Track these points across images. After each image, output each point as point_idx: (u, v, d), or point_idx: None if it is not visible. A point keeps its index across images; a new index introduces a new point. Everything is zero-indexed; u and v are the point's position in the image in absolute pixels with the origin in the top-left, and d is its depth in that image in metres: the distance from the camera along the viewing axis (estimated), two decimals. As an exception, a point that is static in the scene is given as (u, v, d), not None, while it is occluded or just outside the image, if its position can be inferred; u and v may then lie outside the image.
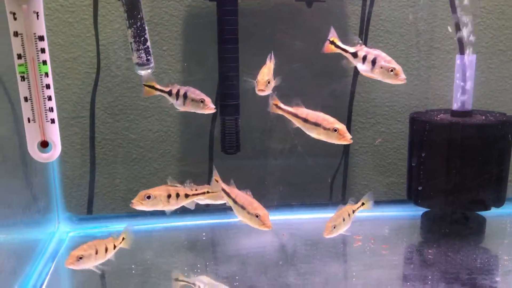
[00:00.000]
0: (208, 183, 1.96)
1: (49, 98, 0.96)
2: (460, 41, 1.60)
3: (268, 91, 1.32)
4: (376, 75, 1.24)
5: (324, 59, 2.00)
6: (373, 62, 1.23)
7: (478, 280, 1.36)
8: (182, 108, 1.39)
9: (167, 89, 1.39)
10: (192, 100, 1.37)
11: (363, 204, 1.36)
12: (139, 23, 1.53)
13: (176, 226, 1.78)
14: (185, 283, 1.32)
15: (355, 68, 1.94)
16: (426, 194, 1.66)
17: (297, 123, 1.29)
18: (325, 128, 1.22)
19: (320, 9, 1.79)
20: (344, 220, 1.31)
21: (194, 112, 2.00)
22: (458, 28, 1.62)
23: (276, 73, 1.93)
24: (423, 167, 1.67)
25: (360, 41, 1.29)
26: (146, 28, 1.57)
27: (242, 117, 1.73)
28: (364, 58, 1.24)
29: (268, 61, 1.38)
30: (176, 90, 1.38)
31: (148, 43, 1.57)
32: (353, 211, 1.35)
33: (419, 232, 1.74)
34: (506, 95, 2.15)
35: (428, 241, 1.66)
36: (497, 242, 1.68)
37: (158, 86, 1.42)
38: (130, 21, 1.53)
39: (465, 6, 1.67)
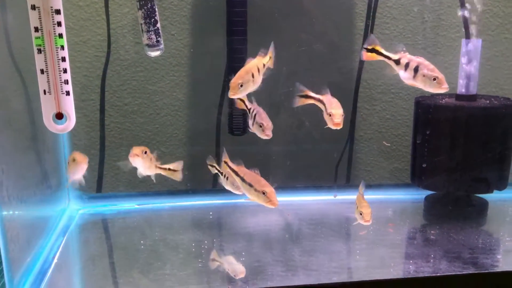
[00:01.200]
0: (218, 164, 2.01)
1: (65, 71, 0.99)
2: (466, 25, 1.62)
3: (240, 94, 1.31)
4: (418, 83, 1.24)
5: (329, 48, 2.03)
6: (416, 69, 1.23)
7: (480, 259, 1.38)
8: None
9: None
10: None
11: None
12: (149, 4, 1.56)
13: (184, 206, 1.81)
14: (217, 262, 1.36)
15: (361, 57, 1.97)
16: (429, 175, 1.69)
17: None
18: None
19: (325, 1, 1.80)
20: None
21: (202, 95, 2.03)
22: (464, 12, 1.64)
23: (281, 66, 1.97)
24: (427, 149, 1.70)
25: (404, 48, 1.29)
26: (157, 9, 1.60)
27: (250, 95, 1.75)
28: (407, 66, 1.24)
29: (260, 55, 1.35)
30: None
31: (158, 25, 1.59)
32: None
33: (422, 214, 1.76)
34: (511, 82, 2.16)
35: (431, 223, 1.69)
36: (499, 224, 1.71)
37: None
38: (141, 2, 1.56)
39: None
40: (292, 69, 1.78)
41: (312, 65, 1.96)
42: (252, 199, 1.30)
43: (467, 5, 1.68)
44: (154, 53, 1.62)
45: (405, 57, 1.26)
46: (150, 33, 1.57)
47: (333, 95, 1.98)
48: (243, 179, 1.33)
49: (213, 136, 1.94)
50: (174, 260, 1.39)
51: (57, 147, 1.71)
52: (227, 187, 1.41)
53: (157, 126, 2.05)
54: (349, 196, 1.81)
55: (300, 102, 1.37)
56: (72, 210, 1.75)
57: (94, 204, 1.78)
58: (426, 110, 1.62)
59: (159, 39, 1.60)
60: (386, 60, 1.28)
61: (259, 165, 1.48)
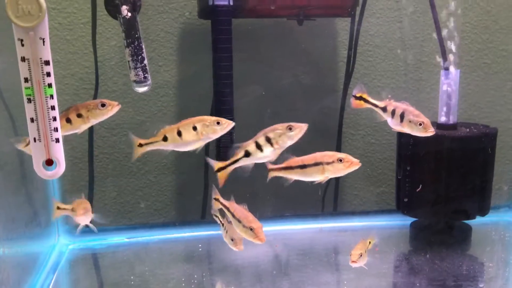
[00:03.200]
0: (205, 197, 2.02)
1: (54, 119, 1.01)
2: (444, 56, 1.68)
3: None
4: (406, 129, 1.30)
5: (314, 75, 2.09)
6: (402, 116, 1.28)
7: (464, 287, 1.42)
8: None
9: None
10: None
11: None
12: (136, 42, 1.59)
13: (173, 238, 1.83)
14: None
15: (345, 83, 2.02)
16: (413, 205, 1.73)
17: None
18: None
19: (311, 27, 1.85)
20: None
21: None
22: (442, 44, 1.69)
23: (268, 89, 2.00)
24: (409, 179, 1.74)
25: (389, 96, 1.35)
26: (143, 47, 1.63)
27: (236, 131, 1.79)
28: (393, 113, 1.29)
29: None
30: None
31: (145, 62, 1.63)
32: None
33: (408, 241, 1.80)
34: (491, 106, 2.22)
35: (416, 250, 1.72)
36: (482, 250, 1.75)
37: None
38: (128, 40, 1.59)
39: (449, 23, 1.75)
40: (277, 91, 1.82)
41: (296, 91, 2.01)
42: (241, 234, 1.33)
43: (444, 35, 1.74)
44: (141, 89, 1.65)
45: (391, 104, 1.31)
46: (138, 69, 1.60)
47: (317, 120, 2.04)
48: (233, 215, 1.35)
49: (202, 166, 1.96)
50: (165, 295, 1.41)
51: (45, 184, 1.72)
52: (226, 240, 1.42)
53: (146, 156, 2.07)
54: (336, 224, 1.85)
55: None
56: (61, 245, 1.76)
57: (84, 239, 1.79)
58: (408, 140, 1.68)
59: (146, 75, 1.63)
60: (373, 107, 1.33)
61: (247, 195, 1.50)
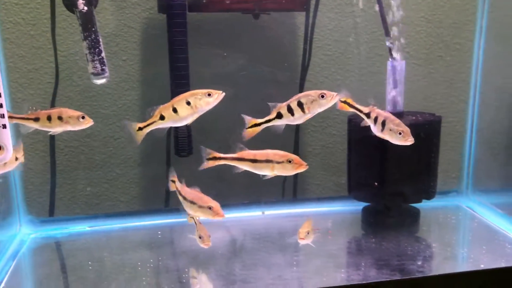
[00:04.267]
0: (166, 184, 2.07)
1: (0, 106, 1.06)
2: (390, 48, 1.76)
3: None
4: (386, 136, 1.37)
5: (271, 68, 2.14)
6: (383, 123, 1.36)
7: (406, 266, 1.49)
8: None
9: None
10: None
11: None
12: (93, 36, 1.64)
13: (134, 226, 1.88)
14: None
15: (302, 76, 2.08)
16: (361, 190, 1.81)
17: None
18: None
19: (267, 20, 1.91)
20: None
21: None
22: (388, 36, 1.77)
23: (224, 82, 2.06)
24: (358, 165, 1.82)
25: (373, 103, 1.44)
26: (101, 40, 1.68)
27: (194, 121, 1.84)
28: (376, 119, 1.37)
29: None
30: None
31: (103, 54, 1.68)
32: None
33: (360, 225, 1.87)
34: (446, 97, 2.31)
35: (366, 233, 1.80)
36: (428, 232, 1.83)
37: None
38: (85, 34, 1.64)
39: (395, 16, 1.83)
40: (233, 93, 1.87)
41: (254, 84, 2.06)
42: (198, 215, 1.37)
43: (393, 28, 1.82)
44: (99, 81, 1.70)
45: (374, 111, 1.40)
46: (95, 62, 1.65)
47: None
48: (184, 198, 1.40)
49: (164, 158, 2.01)
50: (120, 279, 1.46)
51: (6, 173, 1.76)
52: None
53: (111, 149, 2.11)
54: (296, 210, 1.92)
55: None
56: (23, 234, 1.80)
57: (46, 228, 1.83)
58: (356, 127, 1.75)
59: (104, 67, 1.68)
60: (357, 112, 1.42)
61: (208, 184, 1.55)
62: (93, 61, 1.65)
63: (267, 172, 1.36)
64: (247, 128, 1.38)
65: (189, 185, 1.48)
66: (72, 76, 2.00)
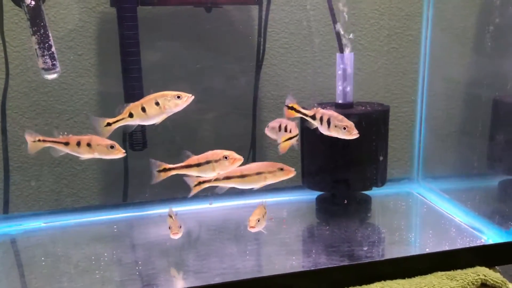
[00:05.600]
0: (126, 181, 2.06)
1: None
2: (339, 40, 1.80)
3: None
4: (333, 133, 1.44)
5: (224, 61, 2.17)
6: (328, 122, 1.42)
7: (356, 251, 1.55)
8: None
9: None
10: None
11: None
12: (42, 30, 1.63)
13: (91, 221, 1.88)
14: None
15: (256, 69, 2.11)
16: (313, 179, 1.86)
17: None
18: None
19: (219, 14, 1.93)
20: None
21: (110, 113, 2.10)
22: (336, 30, 1.82)
23: (178, 76, 2.07)
24: (310, 154, 1.87)
25: (316, 105, 1.51)
26: (50, 34, 1.67)
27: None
28: (321, 119, 1.43)
29: None
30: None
31: (53, 49, 1.67)
32: None
33: (314, 213, 1.92)
34: (400, 88, 2.37)
35: (319, 221, 1.85)
36: (379, 218, 1.89)
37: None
38: (34, 29, 1.63)
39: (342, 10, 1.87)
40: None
41: (208, 78, 2.08)
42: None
43: (339, 20, 1.87)
44: (50, 76, 1.69)
45: (318, 112, 1.46)
46: (45, 57, 1.64)
47: (231, 106, 2.12)
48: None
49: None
50: (73, 273, 1.46)
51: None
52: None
53: (58, 131, 2.10)
54: (251, 201, 1.95)
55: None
56: (-24, 232, 1.78)
57: (0, 226, 1.81)
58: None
59: (54, 62, 1.67)
60: (303, 116, 1.48)
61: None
62: (43, 56, 1.63)
63: (210, 173, 1.40)
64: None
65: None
66: (27, 71, 1.98)
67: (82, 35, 2.01)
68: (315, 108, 1.47)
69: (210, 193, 2.01)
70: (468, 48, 2.21)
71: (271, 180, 1.45)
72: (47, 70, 1.66)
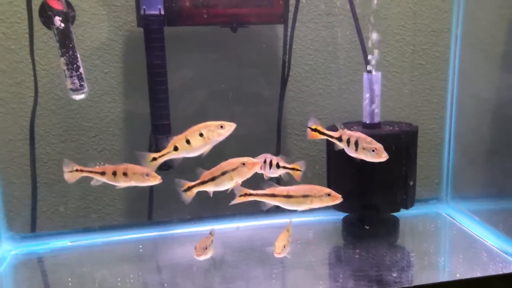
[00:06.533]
0: (151, 199, 2.06)
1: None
2: (366, 59, 1.78)
3: None
4: (361, 155, 1.41)
5: (250, 79, 2.16)
6: (356, 143, 1.38)
7: (384, 276, 1.51)
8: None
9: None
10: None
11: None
12: (71, 52, 1.65)
13: (117, 240, 1.88)
14: None
15: (281, 87, 2.10)
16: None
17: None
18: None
19: (245, 34, 1.93)
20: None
21: (136, 131, 2.11)
22: (363, 48, 1.79)
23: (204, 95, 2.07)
24: (337, 175, 1.84)
25: (342, 126, 1.46)
26: (79, 55, 1.69)
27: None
28: (348, 141, 1.40)
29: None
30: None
31: (81, 70, 1.69)
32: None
33: (340, 235, 1.89)
34: (427, 104, 2.33)
35: (346, 243, 1.82)
36: (407, 241, 1.85)
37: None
38: (63, 50, 1.65)
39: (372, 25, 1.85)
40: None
41: (235, 97, 2.08)
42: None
43: (370, 38, 1.84)
44: (78, 97, 1.71)
45: (345, 133, 1.42)
46: (73, 78, 1.66)
47: (255, 124, 2.11)
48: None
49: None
50: (100, 294, 1.47)
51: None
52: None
53: (94, 162, 2.11)
54: (276, 221, 1.93)
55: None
56: (4, 251, 1.80)
57: (27, 244, 1.83)
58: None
59: (82, 83, 1.69)
60: (329, 138, 1.43)
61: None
62: (71, 77, 1.66)
63: (228, 183, 1.38)
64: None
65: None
66: (54, 89, 2.01)
67: (108, 53, 2.03)
68: (341, 130, 1.44)
69: (238, 212, 2.01)
70: (498, 65, 2.16)
71: (316, 204, 1.41)
72: (75, 90, 1.68)
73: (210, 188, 1.39)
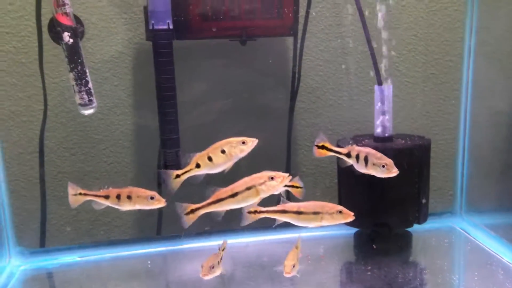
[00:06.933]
0: (160, 213, 2.04)
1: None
2: (377, 72, 1.75)
3: None
4: (371, 171, 1.37)
5: (260, 91, 2.14)
6: (365, 159, 1.35)
7: (397, 294, 1.48)
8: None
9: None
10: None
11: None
12: (79, 67, 1.65)
13: (124, 256, 1.87)
14: None
15: (291, 98, 2.08)
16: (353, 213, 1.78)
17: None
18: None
19: (254, 47, 1.92)
20: None
21: (147, 143, 2.10)
22: (374, 60, 1.76)
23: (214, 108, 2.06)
24: (347, 190, 1.80)
25: (351, 142, 1.42)
26: (87, 70, 1.69)
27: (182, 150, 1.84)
28: (357, 157, 1.37)
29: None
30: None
31: (90, 85, 1.69)
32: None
33: (352, 250, 1.85)
34: (441, 115, 2.29)
35: (357, 259, 1.78)
36: (420, 257, 1.81)
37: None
38: (71, 66, 1.65)
39: (383, 40, 1.82)
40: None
41: (245, 109, 2.06)
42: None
43: (382, 52, 1.81)
44: (87, 111, 1.71)
45: (354, 149, 1.39)
46: (82, 93, 1.66)
47: (265, 137, 2.09)
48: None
49: (155, 183, 2.01)
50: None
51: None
52: None
53: (104, 174, 2.11)
54: (285, 235, 1.90)
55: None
56: (13, 266, 1.79)
57: (36, 259, 1.83)
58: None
59: (91, 98, 1.69)
60: (337, 155, 1.40)
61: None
62: (80, 92, 1.66)
63: (252, 199, 1.35)
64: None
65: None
66: (65, 102, 2.01)
67: (118, 66, 2.03)
68: (350, 146, 1.40)
69: (247, 227, 1.98)
70: (514, 76, 2.12)
71: (327, 222, 1.38)
72: (84, 105, 1.68)
73: (227, 206, 1.36)
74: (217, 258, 1.42)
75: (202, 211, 1.36)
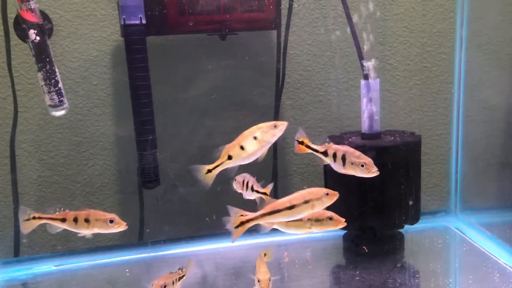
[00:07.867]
0: (141, 218, 1.97)
1: None
2: (363, 66, 1.66)
3: None
4: (349, 171, 1.27)
5: (242, 87, 2.06)
6: (343, 158, 1.26)
7: (386, 299, 1.40)
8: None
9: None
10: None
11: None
12: (48, 66, 1.57)
13: (102, 264, 1.79)
14: None
15: (276, 95, 2.00)
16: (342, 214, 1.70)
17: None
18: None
19: (234, 42, 1.83)
20: None
21: (128, 144, 2.02)
22: (360, 54, 1.68)
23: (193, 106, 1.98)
24: (336, 190, 1.71)
25: (328, 140, 1.32)
26: (57, 70, 1.60)
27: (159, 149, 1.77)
28: (334, 156, 1.27)
29: None
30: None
31: (60, 85, 1.60)
32: None
33: (341, 252, 1.78)
34: (434, 109, 2.21)
35: (347, 262, 1.71)
36: (412, 259, 1.73)
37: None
38: (39, 65, 1.57)
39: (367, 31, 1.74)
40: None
41: (227, 108, 1.98)
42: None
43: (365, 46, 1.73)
44: (58, 113, 1.62)
45: (331, 148, 1.29)
46: (52, 93, 1.58)
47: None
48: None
49: (136, 187, 1.94)
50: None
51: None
52: None
53: (85, 177, 2.04)
54: (274, 238, 1.82)
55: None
56: (-15, 278, 1.73)
57: (10, 270, 1.76)
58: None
59: (62, 98, 1.61)
60: (314, 152, 1.31)
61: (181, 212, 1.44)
62: (49, 92, 1.57)
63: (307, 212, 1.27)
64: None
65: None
66: (42, 103, 1.93)
67: (97, 65, 1.96)
68: (327, 144, 1.30)
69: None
70: (508, 69, 2.03)
71: (316, 229, 1.29)
72: (54, 107, 1.60)
73: (284, 218, 1.25)
74: (172, 277, 1.31)
75: (253, 223, 1.25)
